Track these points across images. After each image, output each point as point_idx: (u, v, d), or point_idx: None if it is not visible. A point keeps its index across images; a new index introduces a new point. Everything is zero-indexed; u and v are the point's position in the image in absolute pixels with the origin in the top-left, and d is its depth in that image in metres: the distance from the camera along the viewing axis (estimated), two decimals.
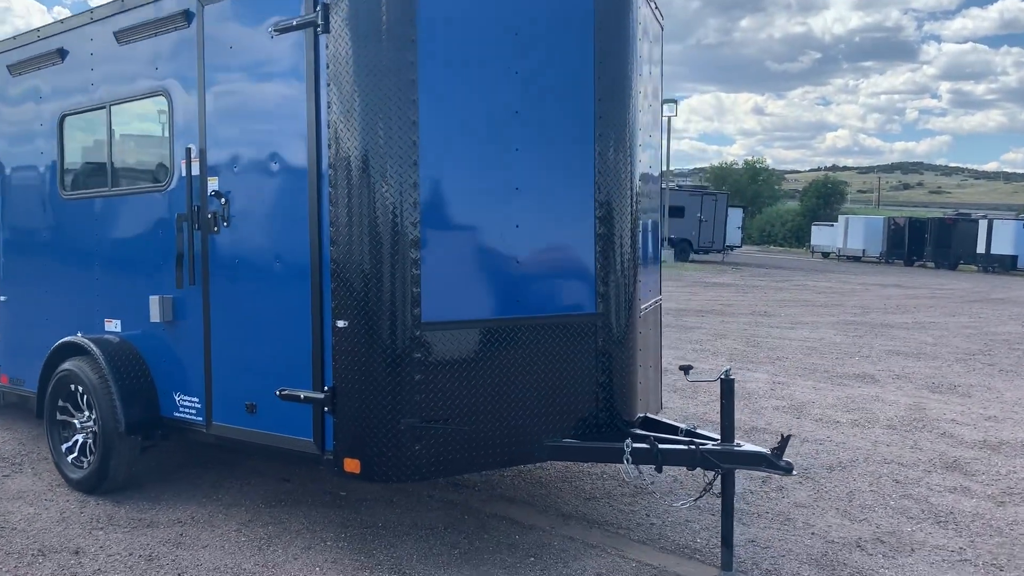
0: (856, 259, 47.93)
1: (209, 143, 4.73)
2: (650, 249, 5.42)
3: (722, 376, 4.32)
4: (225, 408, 4.75)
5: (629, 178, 4.61)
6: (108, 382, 5.02)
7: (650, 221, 5.40)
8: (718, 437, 4.33)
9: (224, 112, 4.67)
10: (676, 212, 38.23)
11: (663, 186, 38.47)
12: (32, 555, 4.37)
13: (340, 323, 4.11)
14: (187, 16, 4.78)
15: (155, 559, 4.37)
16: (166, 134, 4.98)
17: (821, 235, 53.19)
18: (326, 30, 4.09)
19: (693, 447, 4.24)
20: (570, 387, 4.47)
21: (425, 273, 4.08)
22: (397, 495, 5.38)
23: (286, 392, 4.36)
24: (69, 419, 5.38)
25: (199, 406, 4.87)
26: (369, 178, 4.03)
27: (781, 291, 22.89)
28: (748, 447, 4.26)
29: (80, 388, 5.20)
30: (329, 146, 4.12)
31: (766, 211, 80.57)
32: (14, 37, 6.15)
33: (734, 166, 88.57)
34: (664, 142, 39.02)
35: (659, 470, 4.35)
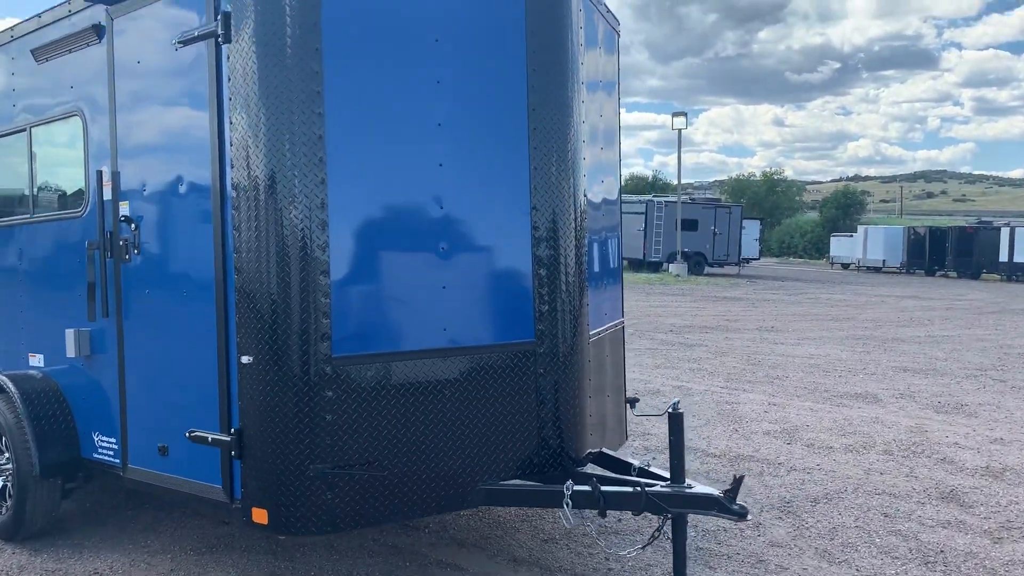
0: (876, 270, 47.15)
1: (121, 165, 4.41)
2: (606, 268, 5.03)
3: (669, 410, 3.93)
4: (139, 450, 4.41)
5: (571, 194, 4.23)
6: (23, 422, 4.69)
7: (606, 239, 5.02)
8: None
9: (133, 132, 4.36)
10: (689, 225, 37.75)
11: (677, 199, 38.14)
12: None
13: (244, 359, 3.75)
14: (98, 31, 4.48)
15: None
16: (81, 157, 4.67)
17: (840, 246, 52.40)
18: (227, 40, 3.76)
19: (638, 490, 3.83)
20: (507, 424, 4.08)
21: (336, 302, 3.71)
22: (339, 540, 5.00)
23: (195, 434, 4.01)
24: None
25: (116, 447, 4.54)
26: (272, 199, 3.68)
27: (792, 305, 22.33)
28: (699, 489, 3.85)
29: None
30: (232, 165, 3.78)
31: (785, 223, 79.78)
32: None
33: (752, 178, 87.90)
34: (676, 156, 38.37)
35: (602, 515, 3.95)
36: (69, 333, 4.66)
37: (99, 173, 4.48)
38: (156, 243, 4.26)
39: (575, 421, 4.29)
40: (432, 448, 3.89)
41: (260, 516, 3.77)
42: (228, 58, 3.77)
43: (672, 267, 36.07)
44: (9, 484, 4.88)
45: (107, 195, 4.45)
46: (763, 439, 7.54)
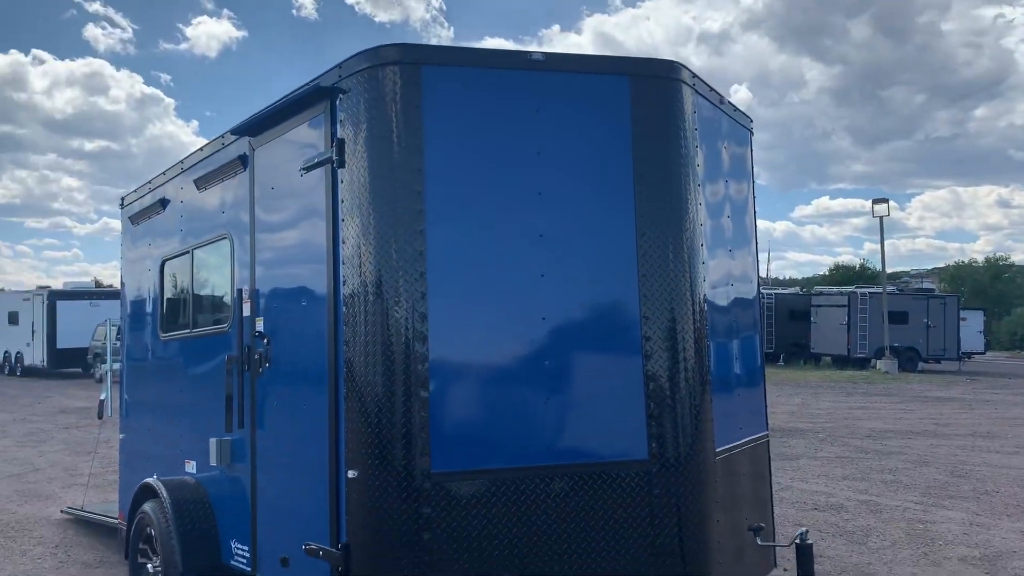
0: None
1: (258, 283, 4.69)
2: (739, 377, 4.71)
3: (797, 540, 3.53)
4: (266, 560, 4.51)
5: (687, 301, 4.03)
6: (170, 527, 4.95)
7: (737, 345, 4.71)
8: None
9: (268, 251, 4.63)
10: (898, 318, 35.19)
11: (882, 290, 35.78)
12: None
13: (351, 473, 3.78)
14: (243, 161, 4.85)
15: None
16: (229, 276, 5.02)
17: None
18: (341, 164, 3.95)
19: None
20: (619, 548, 3.82)
21: (435, 416, 3.68)
22: None
23: (309, 547, 4.05)
24: (147, 563, 5.36)
25: (248, 556, 4.67)
26: (380, 312, 3.75)
27: (1018, 407, 20.01)
28: None
29: (153, 532, 5.18)
30: (344, 283, 3.91)
31: (1017, 312, 72.70)
32: (135, 190, 6.62)
33: (974, 264, 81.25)
34: (879, 244, 35.91)
35: None
36: (212, 442, 4.92)
37: (240, 291, 4.78)
38: (282, 358, 4.44)
39: (698, 547, 3.95)
40: (534, 571, 3.70)
41: None
42: (342, 181, 3.94)
43: (880, 363, 33.57)
44: None
45: (246, 311, 4.73)
46: (957, 566, 6.65)
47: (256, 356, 4.62)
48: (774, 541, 4.89)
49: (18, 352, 31.56)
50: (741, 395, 4.73)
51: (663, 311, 3.96)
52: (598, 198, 3.98)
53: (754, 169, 5.25)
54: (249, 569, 4.65)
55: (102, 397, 7.56)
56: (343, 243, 3.92)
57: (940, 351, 36.66)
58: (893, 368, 32.83)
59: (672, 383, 3.95)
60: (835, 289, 42.89)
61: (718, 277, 4.51)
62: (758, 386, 5.10)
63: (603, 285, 3.95)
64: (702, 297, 4.15)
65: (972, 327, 40.78)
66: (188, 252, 5.59)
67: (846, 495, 9.46)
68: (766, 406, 5.22)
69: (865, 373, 32.24)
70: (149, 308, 6.28)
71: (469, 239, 3.83)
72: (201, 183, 5.38)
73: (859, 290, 38.31)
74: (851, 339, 35.46)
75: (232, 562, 4.84)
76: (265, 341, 4.56)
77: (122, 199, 6.91)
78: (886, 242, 36.76)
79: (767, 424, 5.20)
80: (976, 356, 42.50)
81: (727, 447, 4.35)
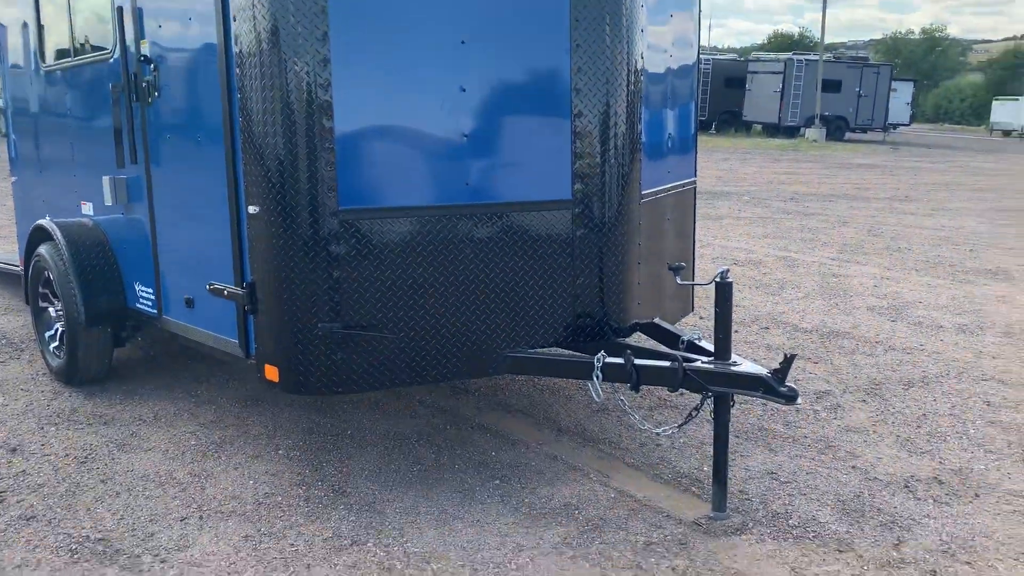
0: None
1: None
2: (671, 131, 4.47)
3: (717, 279, 3.45)
4: (170, 301, 4.32)
5: (620, 41, 3.67)
6: (68, 270, 4.68)
7: (672, 102, 4.45)
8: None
9: None
10: (831, 87, 35.12)
11: (819, 57, 35.36)
12: None
13: (251, 209, 3.51)
14: None
15: (89, 461, 4.06)
16: None
17: (1003, 111, 47.83)
18: None
19: (675, 365, 3.44)
20: (538, 289, 3.72)
21: (342, 150, 3.38)
22: (384, 398, 4.88)
23: (213, 286, 3.85)
24: (48, 307, 5.14)
25: (153, 298, 4.47)
26: (271, 22, 3.32)
27: (935, 173, 20.56)
28: (744, 367, 3.41)
29: (51, 276, 4.91)
30: None
31: (944, 85, 73.52)
32: None
33: (911, 36, 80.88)
34: (820, 13, 35.11)
35: (635, 389, 3.59)
36: (105, 180, 4.55)
37: (120, 9, 4.22)
38: (172, 84, 4.00)
39: (617, 288, 3.88)
40: (451, 312, 3.59)
41: (272, 374, 3.61)
42: None
43: (809, 132, 33.87)
44: (64, 330, 4.94)
45: (129, 34, 4.20)
46: (865, 315, 6.90)
47: (144, 84, 4.16)
48: (693, 281, 4.88)
49: None
50: (671, 146, 4.51)
51: (592, 44, 3.60)
52: None
53: None
54: (155, 311, 4.46)
55: None
56: None
57: (868, 121, 37.06)
58: (821, 137, 33.19)
59: (602, 125, 3.68)
60: (772, 55, 42.27)
61: (659, 30, 4.12)
62: (689, 141, 4.85)
63: (532, 7, 3.55)
64: (639, 36, 3.79)
65: (901, 98, 41.08)
66: None
67: (765, 252, 9.66)
68: (696, 154, 5.03)
69: (794, 141, 32.57)
70: (26, 33, 5.59)
71: None
72: None
73: (795, 57, 37.79)
74: (783, 107, 35.43)
75: (137, 305, 4.64)
76: (152, 67, 4.08)
77: None
78: (828, 11, 35.87)
79: (695, 171, 5.04)
80: (901, 127, 43.20)
81: (652, 190, 4.18)
